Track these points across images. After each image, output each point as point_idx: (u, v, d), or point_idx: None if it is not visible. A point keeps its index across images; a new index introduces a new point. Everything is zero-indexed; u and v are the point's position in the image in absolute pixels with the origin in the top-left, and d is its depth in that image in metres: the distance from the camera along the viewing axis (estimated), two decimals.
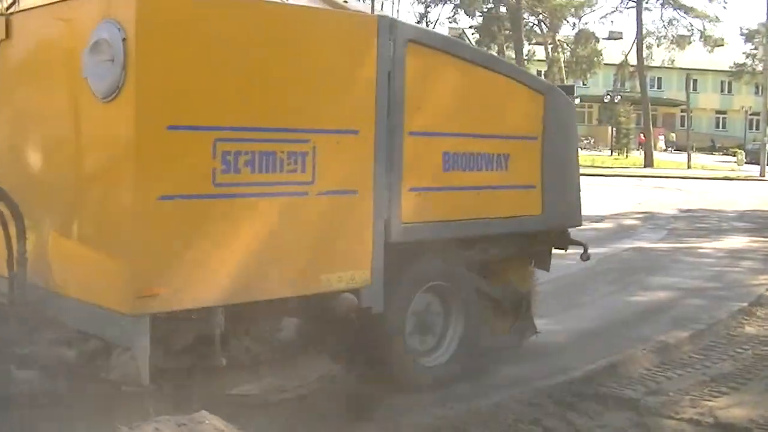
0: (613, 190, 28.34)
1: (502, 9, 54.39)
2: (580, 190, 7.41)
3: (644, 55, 51.45)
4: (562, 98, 7.19)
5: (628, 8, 54.74)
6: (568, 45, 58.65)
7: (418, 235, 6.04)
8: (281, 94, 5.22)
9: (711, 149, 66.11)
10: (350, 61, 5.61)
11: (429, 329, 6.45)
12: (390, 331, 6.06)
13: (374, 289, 5.76)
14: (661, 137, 62.73)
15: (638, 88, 53.01)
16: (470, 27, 57.28)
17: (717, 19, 54.82)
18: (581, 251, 7.63)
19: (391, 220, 5.80)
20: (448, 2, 55.55)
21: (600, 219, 19.04)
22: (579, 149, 7.56)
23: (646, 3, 53.94)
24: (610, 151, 56.67)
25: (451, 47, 6.38)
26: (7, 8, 5.68)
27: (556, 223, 7.22)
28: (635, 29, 52.35)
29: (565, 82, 57.35)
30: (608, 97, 58.11)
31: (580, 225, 7.45)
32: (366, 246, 5.68)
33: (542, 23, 57.50)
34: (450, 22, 58.63)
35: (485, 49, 52.80)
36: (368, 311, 5.77)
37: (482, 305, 6.82)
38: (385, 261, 5.77)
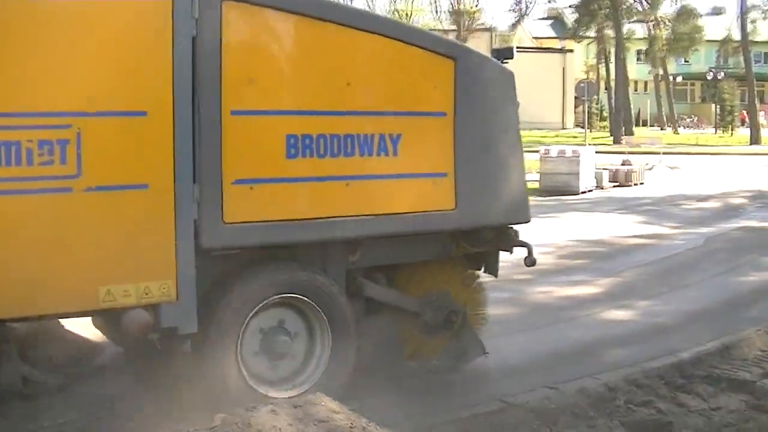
0: (719, 169, 27.38)
1: None
2: (522, 177, 6.02)
3: (748, 30, 49.60)
4: (485, 64, 5.75)
5: None
6: (668, 22, 57.03)
7: (251, 238, 4.87)
8: (23, 71, 4.20)
9: None
10: (131, 29, 4.48)
11: (284, 353, 5.18)
12: (213, 356, 4.85)
13: (182, 306, 4.63)
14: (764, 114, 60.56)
15: (742, 65, 51.15)
16: (569, 6, 56.23)
17: None
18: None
19: (205, 220, 4.66)
20: None
21: (705, 198, 18.53)
22: (517, 127, 5.92)
23: None
24: (714, 129, 54.93)
25: (295, 4, 4.97)
26: None
27: (480, 220, 5.75)
28: (738, 3, 50.60)
29: (667, 61, 56.09)
30: (711, 74, 56.32)
31: (527, 221, 6.00)
32: (165, 253, 4.56)
33: (642, 0, 56.02)
34: (548, 2, 57.83)
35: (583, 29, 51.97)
36: (174, 331, 4.70)
37: (382, 320, 5.73)
38: (199, 271, 4.69)
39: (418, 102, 5.44)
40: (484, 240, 5.96)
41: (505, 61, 6.03)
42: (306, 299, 5.15)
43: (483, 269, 6.30)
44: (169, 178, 4.56)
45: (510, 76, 5.89)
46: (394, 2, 49.31)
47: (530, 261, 6.04)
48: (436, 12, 50.18)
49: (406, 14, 47.69)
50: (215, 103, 4.67)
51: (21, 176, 4.17)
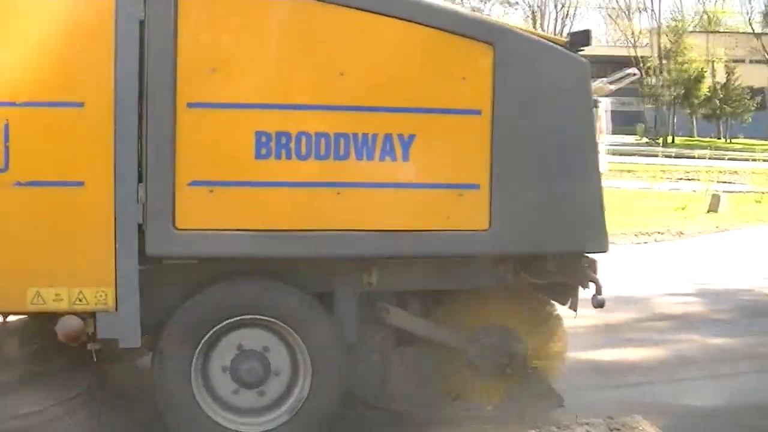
0: None
1: None
2: (596, 195, 4.70)
3: None
4: (540, 51, 4.62)
5: None
6: None
7: (208, 247, 4.30)
8: None
9: None
10: (67, 9, 4.10)
11: (255, 381, 4.60)
12: (163, 378, 4.43)
13: (122, 317, 4.21)
14: None
15: None
16: None
17: None
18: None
19: (151, 224, 4.19)
20: None
21: None
22: (591, 131, 4.72)
23: None
24: None
25: None
26: None
27: (526, 245, 4.67)
28: None
29: None
30: None
31: (602, 250, 4.75)
32: (103, 258, 4.16)
33: None
34: None
35: None
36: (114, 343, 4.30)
37: (417, 354, 4.95)
38: (143, 280, 4.23)
39: (439, 97, 4.46)
40: (547, 271, 4.84)
41: (579, 49, 4.82)
42: (278, 323, 4.51)
43: (568, 305, 5.13)
44: (108, 176, 4.11)
45: (582, 67, 4.66)
46: None
47: (597, 302, 4.76)
48: None
49: None
50: (168, 94, 4.13)
51: None
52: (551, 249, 4.73)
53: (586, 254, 4.80)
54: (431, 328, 4.94)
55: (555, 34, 20.93)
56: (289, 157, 4.29)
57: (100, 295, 4.17)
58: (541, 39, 4.68)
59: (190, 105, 4.18)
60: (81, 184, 4.11)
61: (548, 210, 4.63)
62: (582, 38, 4.80)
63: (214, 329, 4.43)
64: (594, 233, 4.67)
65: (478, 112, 4.46)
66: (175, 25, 4.11)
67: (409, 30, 4.38)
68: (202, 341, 4.42)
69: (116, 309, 4.17)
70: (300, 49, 4.33)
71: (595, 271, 4.81)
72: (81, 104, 4.09)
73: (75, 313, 4.18)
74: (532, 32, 4.85)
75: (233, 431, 4.50)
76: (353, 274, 4.70)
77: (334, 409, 4.63)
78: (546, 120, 4.56)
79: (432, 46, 4.43)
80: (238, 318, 4.47)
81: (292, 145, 4.29)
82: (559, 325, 5.21)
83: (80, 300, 4.17)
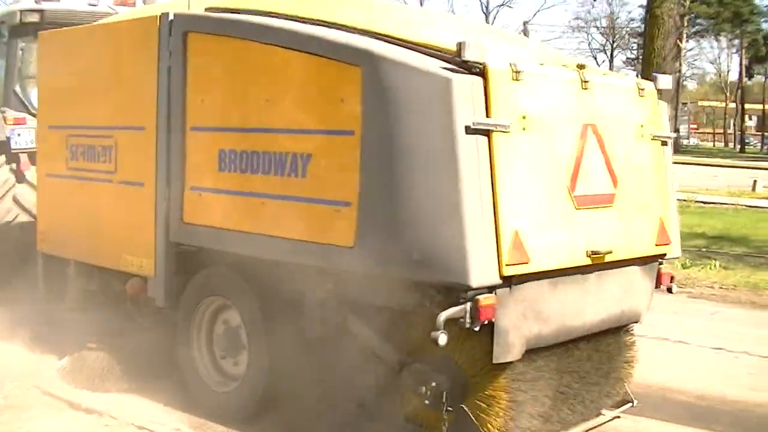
0: None
1: None
2: (460, 220, 4.22)
3: None
4: (401, 71, 4.42)
5: None
6: None
7: (198, 238, 5.56)
8: (95, 99, 6.46)
9: None
10: (136, 64, 5.96)
11: (230, 352, 5.69)
12: (179, 333, 5.90)
13: (157, 282, 5.80)
14: None
15: None
16: None
17: None
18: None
19: (172, 217, 5.67)
20: None
21: None
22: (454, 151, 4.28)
23: None
24: None
25: (229, 26, 5.39)
26: None
27: (388, 267, 4.46)
28: None
29: None
30: None
31: (465, 284, 4.21)
32: (150, 237, 5.79)
33: None
34: None
35: None
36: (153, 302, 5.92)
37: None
38: (168, 258, 5.75)
39: (327, 119, 4.76)
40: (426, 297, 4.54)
41: (471, 62, 4.33)
42: (230, 303, 5.63)
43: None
44: (153, 180, 5.79)
45: (445, 84, 4.27)
46: None
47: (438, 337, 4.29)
48: None
49: None
50: (181, 120, 5.60)
51: (90, 168, 6.47)
52: (408, 274, 4.44)
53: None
54: (378, 343, 4.93)
55: None
56: (236, 170, 5.26)
57: (150, 265, 5.84)
58: (408, 59, 4.50)
59: (191, 128, 5.56)
60: (141, 184, 5.91)
61: (410, 233, 4.37)
62: (474, 51, 4.33)
63: (202, 303, 5.76)
64: (459, 263, 4.22)
65: (351, 133, 4.60)
66: (185, 71, 5.59)
67: (303, 58, 4.86)
68: (197, 311, 5.79)
69: (155, 275, 5.83)
70: (245, 82, 5.25)
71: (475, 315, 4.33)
72: (142, 128, 5.91)
73: (138, 276, 6.03)
74: (417, 45, 4.65)
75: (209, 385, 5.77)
76: (314, 278, 5.00)
77: (265, 381, 5.35)
78: (407, 139, 4.39)
79: (315, 71, 4.81)
80: (212, 297, 5.70)
81: (238, 161, 5.24)
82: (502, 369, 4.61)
83: (141, 266, 5.94)
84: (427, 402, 4.66)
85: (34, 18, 8.46)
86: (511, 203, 4.36)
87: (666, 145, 5.58)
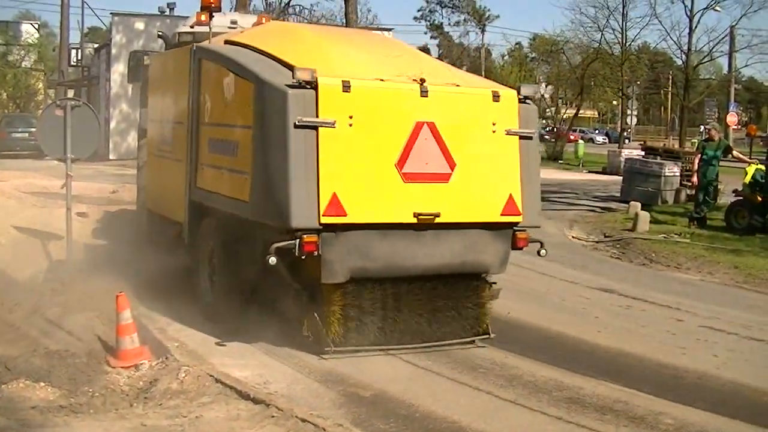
0: None
1: None
2: (286, 178, 6.55)
3: None
4: (261, 85, 6.84)
5: None
6: None
7: (199, 197, 8.13)
8: (167, 102, 9.41)
9: None
10: (182, 76, 8.59)
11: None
12: (196, 263, 8.53)
13: (185, 228, 8.54)
14: None
15: None
16: None
17: None
18: None
19: (191, 183, 8.28)
20: None
21: None
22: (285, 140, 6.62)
23: None
24: None
25: (212, 54, 8.03)
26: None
27: (261, 215, 6.91)
28: None
29: None
30: None
31: (287, 225, 6.58)
32: (182, 197, 8.52)
33: None
34: None
35: None
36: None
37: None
38: (190, 211, 8.36)
39: (243, 118, 7.19)
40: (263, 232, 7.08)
41: (302, 81, 6.62)
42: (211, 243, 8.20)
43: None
44: (184, 158, 8.49)
45: (281, 95, 6.64)
46: None
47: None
48: None
49: None
50: (197, 118, 8.26)
51: (165, 150, 9.47)
52: (268, 221, 6.85)
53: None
54: (265, 262, 6.73)
55: None
56: (214, 152, 7.82)
57: (182, 213, 8.59)
58: (272, 78, 6.81)
59: (202, 124, 8.15)
60: (180, 161, 8.57)
61: (268, 193, 6.75)
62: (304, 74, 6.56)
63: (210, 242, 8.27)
64: (285, 211, 6.55)
65: (250, 127, 7.02)
66: (200, 87, 8.21)
67: (236, 78, 7.34)
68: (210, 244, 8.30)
69: (185, 224, 8.55)
70: (216, 90, 7.78)
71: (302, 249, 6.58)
72: (182, 122, 8.60)
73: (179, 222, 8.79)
74: (294, 68, 6.61)
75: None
76: (258, 227, 7.20)
77: (224, 293, 7.90)
78: (269, 131, 6.75)
79: (241, 86, 7.25)
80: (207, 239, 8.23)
81: (215, 146, 7.80)
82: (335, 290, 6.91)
83: (181, 217, 8.67)
84: (295, 305, 7.03)
85: (188, 39, 10.95)
86: (331, 174, 6.55)
87: (529, 139, 7.34)
